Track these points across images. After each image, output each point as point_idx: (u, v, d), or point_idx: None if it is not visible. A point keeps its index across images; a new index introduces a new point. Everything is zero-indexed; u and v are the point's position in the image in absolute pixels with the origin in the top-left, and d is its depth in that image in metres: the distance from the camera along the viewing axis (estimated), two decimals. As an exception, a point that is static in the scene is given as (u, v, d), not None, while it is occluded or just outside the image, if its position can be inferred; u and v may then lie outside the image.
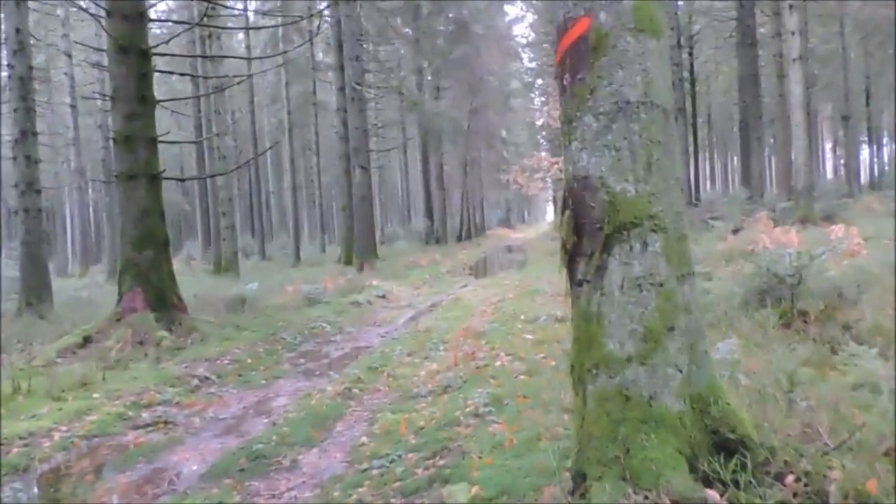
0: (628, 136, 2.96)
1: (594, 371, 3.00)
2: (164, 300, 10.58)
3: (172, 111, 32.12)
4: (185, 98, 22.13)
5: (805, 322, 6.28)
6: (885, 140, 47.86)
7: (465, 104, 38.00)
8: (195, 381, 7.58)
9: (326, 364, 9.10)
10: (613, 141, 2.97)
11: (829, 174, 51.14)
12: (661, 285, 2.94)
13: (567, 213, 3.14)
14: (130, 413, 6.37)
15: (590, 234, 3.03)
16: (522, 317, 10.36)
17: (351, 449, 5.24)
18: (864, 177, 44.01)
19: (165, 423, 6.22)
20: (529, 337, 8.58)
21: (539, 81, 43.15)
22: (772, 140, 35.54)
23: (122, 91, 10.61)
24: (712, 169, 57.61)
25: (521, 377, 6.46)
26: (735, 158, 57.19)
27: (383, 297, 16.24)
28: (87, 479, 4.96)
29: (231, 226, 22.92)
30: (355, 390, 7.08)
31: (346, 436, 5.63)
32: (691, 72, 34.39)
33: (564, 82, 3.12)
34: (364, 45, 26.93)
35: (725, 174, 55.73)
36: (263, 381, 7.97)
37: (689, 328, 3.02)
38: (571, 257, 3.17)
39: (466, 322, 11.38)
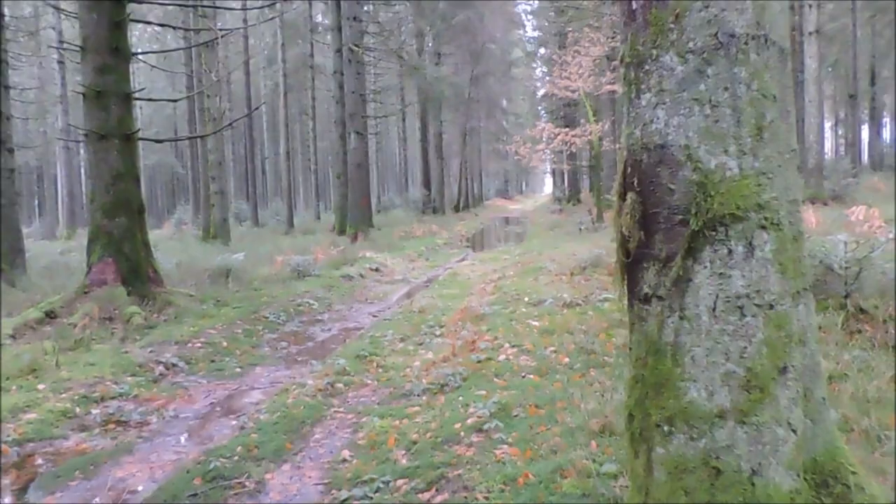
0: (731, 87, 1.97)
1: (667, 428, 2.05)
2: (137, 272, 9.60)
3: (166, 70, 30.87)
4: (166, 51, 20.81)
5: (861, 321, 5.36)
6: (885, 120, 46.69)
7: (466, 72, 36.69)
8: (160, 369, 6.63)
9: (310, 349, 8.17)
10: (708, 93, 1.98)
11: (828, 153, 49.97)
12: (772, 307, 1.99)
13: (630, 197, 2.16)
14: (78, 409, 5.43)
15: (665, 229, 2.07)
16: (526, 298, 9.41)
17: (329, 467, 4.32)
18: (864, 156, 42.93)
19: (117, 422, 5.29)
20: (535, 324, 7.66)
21: (542, 51, 41.76)
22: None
23: (93, 41, 9.51)
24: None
25: (530, 376, 5.54)
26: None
27: (376, 270, 15.29)
28: None
29: (221, 191, 21.86)
30: (339, 385, 6.15)
31: (325, 447, 4.71)
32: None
33: (633, 3, 2.12)
34: (363, 6, 25.57)
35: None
36: (238, 370, 7.04)
37: (805, 367, 2.07)
38: (635, 261, 2.20)
39: (464, 302, 10.46)
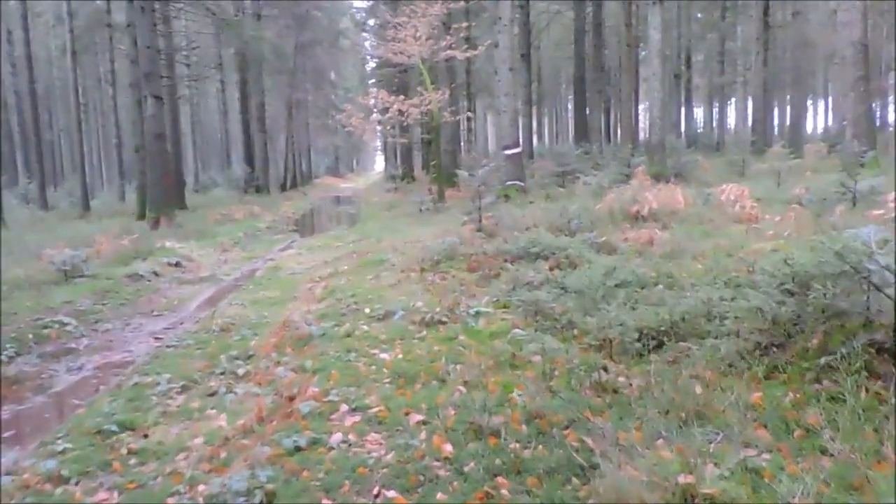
0: None
1: None
2: None
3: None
4: None
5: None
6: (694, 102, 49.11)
7: (290, 39, 32.98)
8: None
9: (32, 413, 5.07)
10: None
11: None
12: None
13: None
14: None
15: None
16: (367, 309, 6.84)
17: None
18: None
19: None
20: (384, 357, 5.12)
21: (371, 22, 38.86)
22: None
23: None
24: (539, 124, 56.65)
25: (390, 496, 3.01)
26: (564, 113, 56.77)
27: (177, 265, 11.97)
28: None
29: (-22, 167, 17.10)
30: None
31: None
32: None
33: None
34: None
35: (552, 130, 54.93)
36: None
37: None
38: None
39: (285, 311, 7.72)
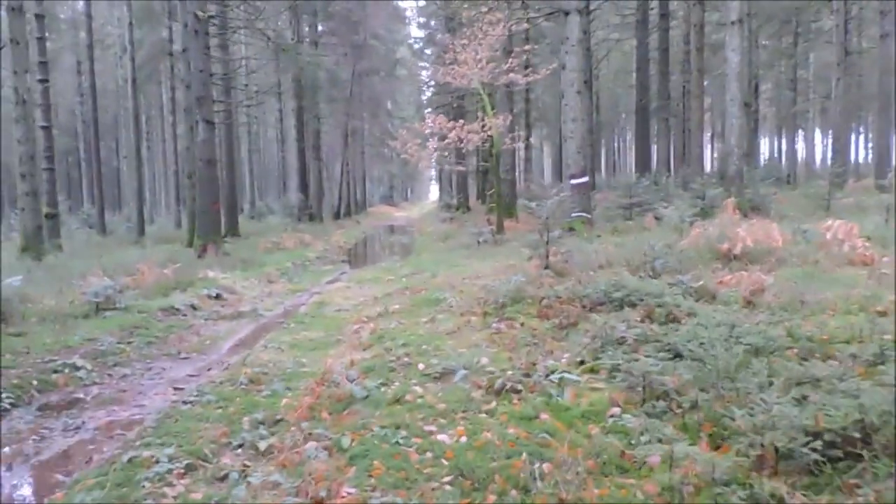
0: None
1: None
2: None
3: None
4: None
5: None
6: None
7: (348, 67, 32.57)
8: None
9: (-4, 498, 4.00)
10: None
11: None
12: None
13: None
14: None
15: None
16: (421, 364, 5.63)
17: None
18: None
19: None
20: (444, 440, 3.89)
21: (429, 51, 38.32)
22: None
23: None
24: (595, 155, 55.02)
25: None
26: (622, 144, 55.13)
27: (217, 297, 11.03)
28: None
29: (32, 192, 16.63)
30: None
31: None
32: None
33: None
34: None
35: (609, 162, 53.26)
36: None
37: None
38: None
39: (326, 358, 6.57)
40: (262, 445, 4.39)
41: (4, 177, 38.21)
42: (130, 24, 25.68)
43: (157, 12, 28.77)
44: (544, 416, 4.01)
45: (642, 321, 5.86)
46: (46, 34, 23.74)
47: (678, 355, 4.58)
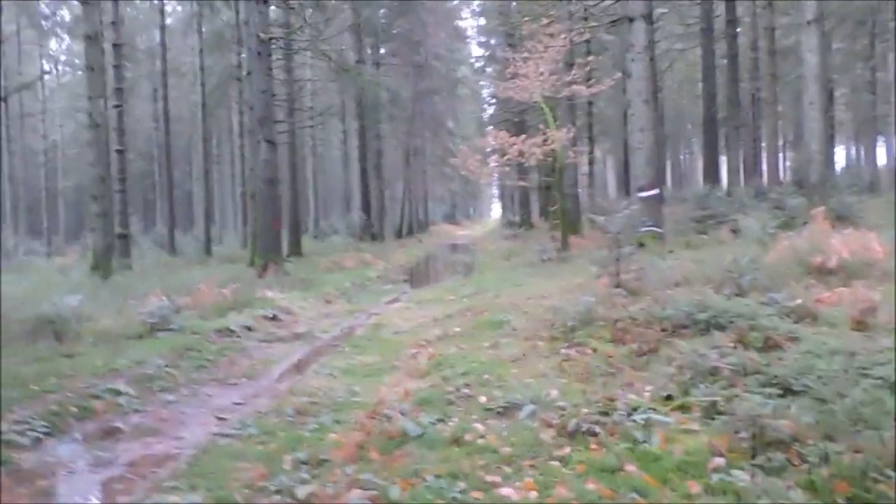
0: None
1: None
2: None
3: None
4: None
5: None
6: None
7: (408, 87, 32.46)
8: None
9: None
10: None
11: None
12: None
13: None
14: None
15: None
16: (483, 397, 4.98)
17: None
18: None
19: None
20: (509, 495, 3.23)
21: (489, 69, 37.89)
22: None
23: None
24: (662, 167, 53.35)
25: None
26: (688, 156, 53.30)
27: (273, 318, 10.67)
28: None
29: (104, 212, 16.85)
30: None
31: None
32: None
33: None
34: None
35: (675, 174, 51.52)
36: None
37: None
38: None
39: (379, 387, 6.00)
40: (301, 493, 3.80)
41: (82, 198, 39.78)
42: (201, 51, 26.31)
43: (226, 39, 29.33)
44: (630, 467, 3.29)
45: (735, 347, 5.06)
46: (125, 63, 24.53)
47: (788, 390, 3.79)
